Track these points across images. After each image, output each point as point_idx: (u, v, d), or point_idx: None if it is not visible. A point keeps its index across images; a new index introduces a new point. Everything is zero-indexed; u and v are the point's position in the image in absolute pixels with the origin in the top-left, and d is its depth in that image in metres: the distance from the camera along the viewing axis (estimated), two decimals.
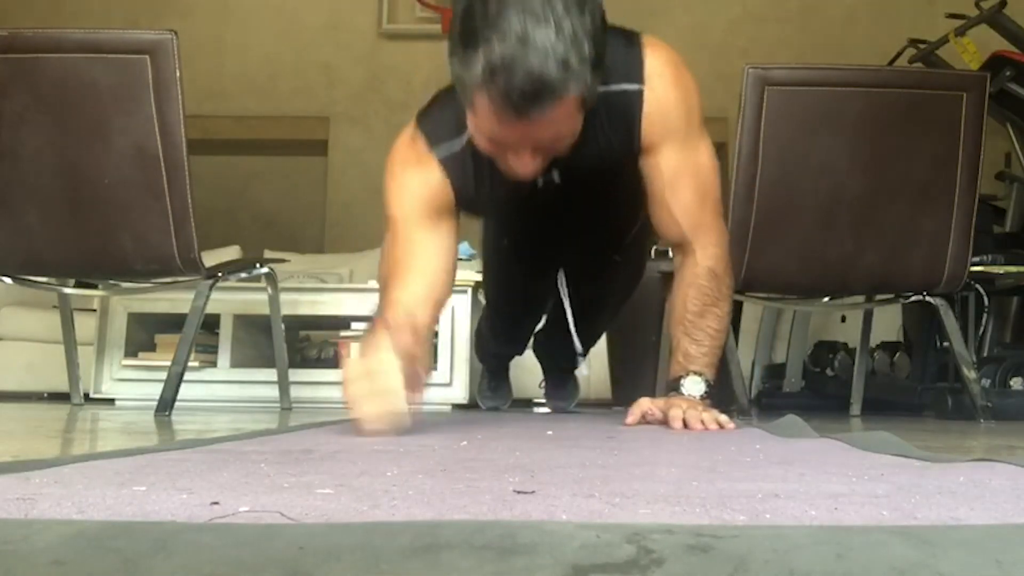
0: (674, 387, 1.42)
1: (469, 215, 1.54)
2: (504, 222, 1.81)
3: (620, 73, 1.36)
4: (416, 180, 1.41)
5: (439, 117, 1.42)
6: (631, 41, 1.39)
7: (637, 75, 1.38)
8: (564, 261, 1.96)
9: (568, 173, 1.44)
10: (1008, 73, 3.26)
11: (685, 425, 1.30)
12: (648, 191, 1.47)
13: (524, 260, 1.93)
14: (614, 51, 1.35)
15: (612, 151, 1.42)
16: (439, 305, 1.41)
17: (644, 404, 1.41)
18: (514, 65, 1.10)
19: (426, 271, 1.39)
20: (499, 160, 1.31)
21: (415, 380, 1.18)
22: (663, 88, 1.39)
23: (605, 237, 1.84)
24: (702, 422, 1.29)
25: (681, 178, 1.44)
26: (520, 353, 2.49)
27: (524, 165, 1.28)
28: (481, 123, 1.22)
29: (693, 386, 1.40)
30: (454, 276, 1.46)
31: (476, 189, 1.42)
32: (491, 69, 1.12)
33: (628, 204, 1.70)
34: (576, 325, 2.09)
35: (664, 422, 1.34)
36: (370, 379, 1.14)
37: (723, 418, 1.31)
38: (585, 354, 2.24)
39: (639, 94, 1.38)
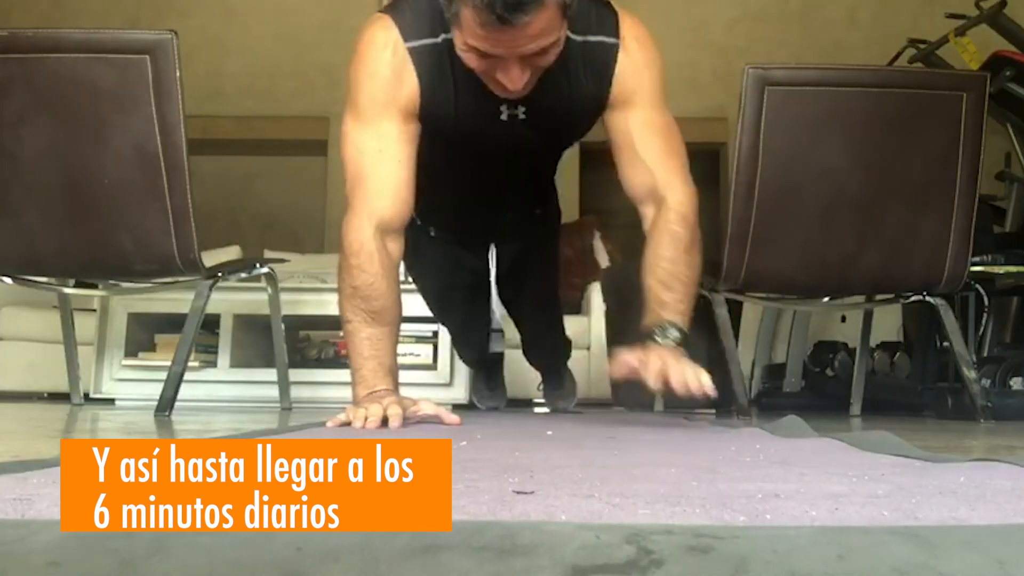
0: (648, 335, 1.41)
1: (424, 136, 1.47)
2: (453, 165, 1.68)
3: (596, 26, 1.40)
4: (387, 68, 1.37)
5: (413, 13, 1.39)
6: (605, 4, 1.44)
7: (613, 31, 1.42)
8: (499, 226, 1.95)
9: (533, 111, 1.45)
10: (1008, 73, 3.26)
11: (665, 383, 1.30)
12: (615, 147, 1.50)
13: (463, 228, 1.92)
14: (589, 6, 1.38)
15: (582, 96, 1.45)
16: (409, 205, 1.42)
17: (626, 356, 1.39)
18: None
19: (395, 174, 1.39)
20: (487, 79, 1.31)
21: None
22: (638, 49, 1.44)
23: (540, 188, 1.89)
24: (686, 382, 1.29)
25: (652, 133, 1.47)
26: (485, 352, 2.45)
27: (513, 80, 1.28)
28: (468, 37, 1.24)
29: (668, 335, 1.40)
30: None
31: (444, 98, 1.40)
32: None
33: (556, 161, 1.77)
34: (509, 304, 2.17)
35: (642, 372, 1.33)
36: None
37: (704, 378, 1.30)
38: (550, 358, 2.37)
39: (615, 48, 1.42)
